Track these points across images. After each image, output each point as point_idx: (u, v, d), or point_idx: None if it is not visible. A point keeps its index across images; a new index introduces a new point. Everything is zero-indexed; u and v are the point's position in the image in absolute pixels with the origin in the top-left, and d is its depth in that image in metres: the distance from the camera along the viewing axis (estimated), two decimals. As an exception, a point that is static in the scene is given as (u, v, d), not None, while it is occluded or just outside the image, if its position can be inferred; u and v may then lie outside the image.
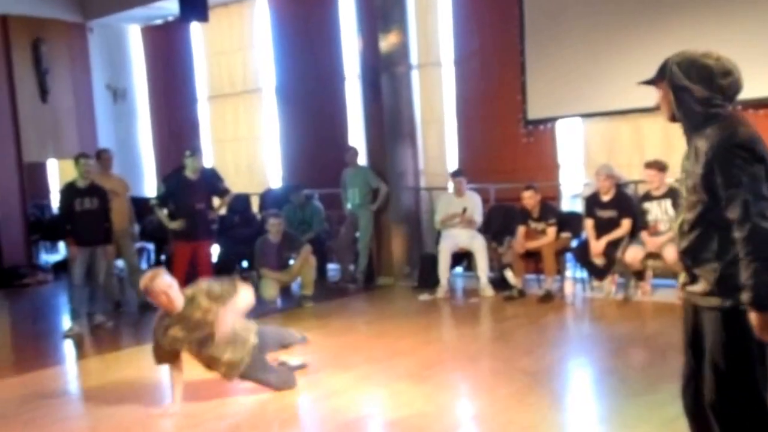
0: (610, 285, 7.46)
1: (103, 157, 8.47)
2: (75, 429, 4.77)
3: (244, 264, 9.79)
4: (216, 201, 8.01)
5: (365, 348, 6.24)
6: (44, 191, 13.21)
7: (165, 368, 4.97)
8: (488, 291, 7.88)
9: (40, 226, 12.11)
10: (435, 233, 8.75)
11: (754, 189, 2.43)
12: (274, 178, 11.31)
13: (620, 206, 7.28)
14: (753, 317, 2.45)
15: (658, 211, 6.99)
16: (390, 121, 9.02)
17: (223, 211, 8.94)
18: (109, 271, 7.99)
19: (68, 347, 7.07)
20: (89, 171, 7.53)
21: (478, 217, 8.19)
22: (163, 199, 7.86)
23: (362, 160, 9.20)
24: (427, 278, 8.28)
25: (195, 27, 11.87)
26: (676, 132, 8.41)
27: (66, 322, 7.67)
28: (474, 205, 8.19)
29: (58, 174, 12.57)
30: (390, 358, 5.79)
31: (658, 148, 7.64)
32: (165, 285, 4.70)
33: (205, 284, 4.93)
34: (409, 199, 9.30)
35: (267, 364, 5.03)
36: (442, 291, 8.02)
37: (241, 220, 10.06)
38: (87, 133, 12.03)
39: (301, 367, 5.36)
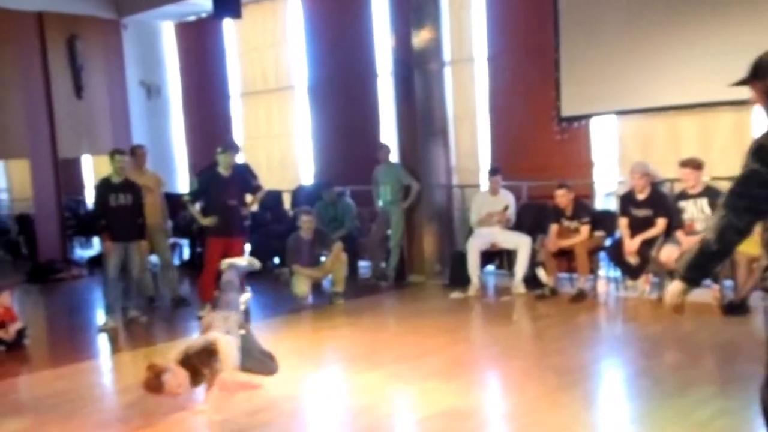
0: (644, 284, 7.35)
1: (137, 153, 8.55)
2: (109, 422, 4.82)
3: (276, 260, 9.85)
4: (248, 197, 8.06)
5: (396, 345, 6.24)
6: (79, 187, 13.40)
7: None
8: (520, 289, 7.83)
9: (75, 221, 12.29)
10: (467, 231, 8.71)
11: (746, 186, 2.48)
12: (306, 175, 11.35)
13: (655, 205, 7.17)
14: (674, 283, 2.72)
15: (694, 210, 6.87)
16: (422, 118, 8.99)
17: (255, 208, 8.98)
18: (143, 266, 8.06)
19: (103, 341, 7.17)
20: (124, 167, 7.61)
21: (513, 216, 8.18)
22: (195, 195, 7.92)
23: (394, 157, 9.18)
24: (459, 276, 8.24)
25: (228, 24, 11.94)
26: (713, 129, 8.23)
27: (100, 317, 7.77)
28: (509, 204, 8.17)
29: (92, 170, 12.73)
30: (420, 356, 5.78)
31: (695, 146, 7.52)
32: (175, 386, 4.55)
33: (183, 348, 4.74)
34: (441, 196, 9.26)
35: (251, 351, 5.04)
36: (473, 289, 7.98)
37: (273, 216, 10.11)
38: (121, 129, 12.18)
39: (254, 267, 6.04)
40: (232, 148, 8.15)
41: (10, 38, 11.10)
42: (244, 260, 6.40)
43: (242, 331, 5.07)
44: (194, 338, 4.88)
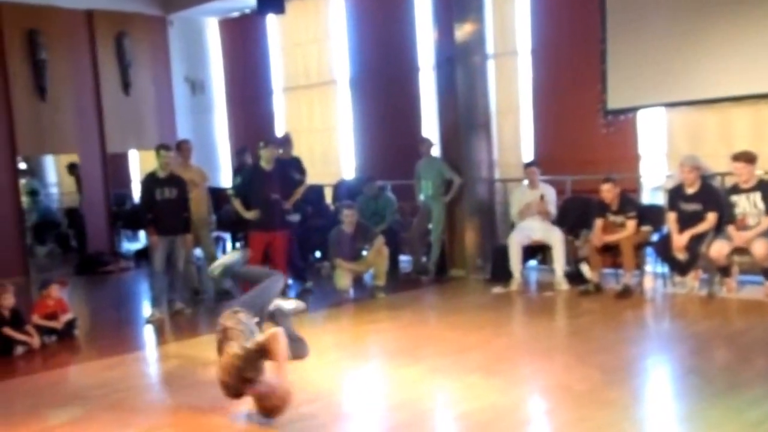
0: (693, 281, 7.19)
1: (182, 147, 8.66)
2: (156, 412, 4.89)
3: (318, 254, 9.89)
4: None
5: (437, 340, 6.21)
6: (126, 181, 13.61)
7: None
8: (563, 285, 7.73)
9: (122, 214, 12.50)
10: (509, 225, 8.63)
11: None
12: (348, 170, 11.37)
13: (706, 199, 6.99)
14: None
15: (747, 204, 6.69)
16: (464, 112, 8.91)
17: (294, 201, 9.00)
18: (188, 259, 8.16)
19: (149, 333, 7.28)
20: (169, 162, 7.72)
21: (552, 209, 8.07)
22: (238, 190, 7.99)
23: (436, 151, 9.14)
24: (500, 271, 8.16)
25: (271, 19, 12.01)
26: (766, 121, 8.03)
27: (147, 309, 7.90)
28: (548, 196, 8.06)
29: (138, 164, 12.92)
30: (462, 351, 5.74)
31: (747, 139, 7.32)
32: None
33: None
34: (483, 190, 9.18)
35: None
36: (515, 284, 7.91)
37: (315, 210, 10.15)
38: (167, 124, 12.36)
39: (299, 310, 5.63)
40: (274, 143, 8.20)
41: (61, 36, 11.33)
42: (291, 303, 5.83)
43: (257, 319, 5.03)
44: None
